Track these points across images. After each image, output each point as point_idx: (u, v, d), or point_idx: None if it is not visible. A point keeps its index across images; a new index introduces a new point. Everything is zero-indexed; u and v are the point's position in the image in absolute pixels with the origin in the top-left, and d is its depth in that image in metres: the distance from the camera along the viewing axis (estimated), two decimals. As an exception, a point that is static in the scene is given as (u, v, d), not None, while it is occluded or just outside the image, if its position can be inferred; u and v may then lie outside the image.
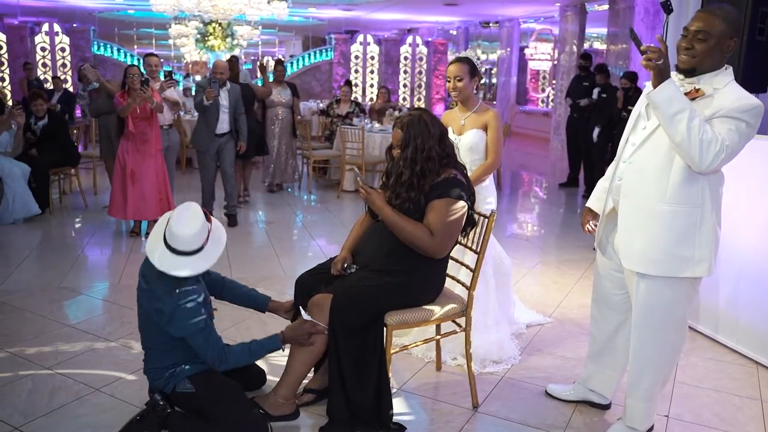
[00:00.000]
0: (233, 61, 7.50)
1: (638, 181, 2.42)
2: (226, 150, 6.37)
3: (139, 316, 2.66)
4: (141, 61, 7.11)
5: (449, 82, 3.53)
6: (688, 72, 2.35)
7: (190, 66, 15.75)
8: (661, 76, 2.17)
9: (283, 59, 13.02)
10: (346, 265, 2.83)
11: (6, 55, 15.52)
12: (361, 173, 2.84)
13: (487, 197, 3.59)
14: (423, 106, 19.47)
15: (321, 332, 2.63)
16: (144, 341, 2.68)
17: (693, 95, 2.31)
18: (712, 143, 2.16)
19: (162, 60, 6.54)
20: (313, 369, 2.92)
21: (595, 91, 8.29)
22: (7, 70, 15.47)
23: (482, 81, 3.49)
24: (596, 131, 8.16)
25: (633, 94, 7.42)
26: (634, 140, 2.48)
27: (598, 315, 2.86)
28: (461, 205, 2.73)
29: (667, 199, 2.34)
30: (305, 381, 2.91)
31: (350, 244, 2.95)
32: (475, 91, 3.62)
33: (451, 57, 3.55)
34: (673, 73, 2.34)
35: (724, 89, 2.30)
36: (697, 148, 2.15)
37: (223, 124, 6.26)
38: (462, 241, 3.10)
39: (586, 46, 14.18)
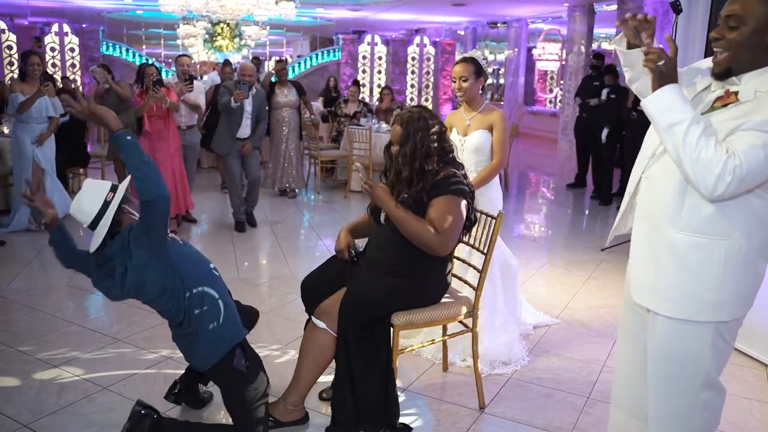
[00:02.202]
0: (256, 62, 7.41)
1: (652, 200, 1.99)
2: (251, 156, 6.27)
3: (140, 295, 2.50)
4: (146, 61, 7.09)
5: (455, 82, 3.53)
6: (723, 75, 1.87)
7: (198, 66, 15.79)
8: (661, 79, 1.80)
9: (282, 59, 13.04)
10: (352, 251, 2.85)
11: (16, 56, 15.59)
12: (364, 170, 2.83)
13: (494, 198, 3.58)
14: (430, 106, 19.46)
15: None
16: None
17: (725, 100, 1.86)
18: (713, 164, 1.70)
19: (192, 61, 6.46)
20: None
21: (604, 91, 8.25)
22: (17, 70, 15.54)
23: (488, 81, 3.44)
24: (605, 132, 8.13)
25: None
26: (650, 150, 2.05)
27: (621, 353, 2.32)
28: (462, 202, 2.72)
29: (683, 225, 1.88)
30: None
31: (350, 225, 2.98)
32: (481, 92, 3.61)
33: (458, 57, 3.53)
34: (710, 78, 1.95)
35: None
36: (691, 169, 1.74)
37: (245, 129, 6.18)
38: (469, 242, 3.10)
39: (594, 46, 14.13)
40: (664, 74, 1.80)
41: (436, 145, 2.73)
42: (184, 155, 6.33)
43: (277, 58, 13.62)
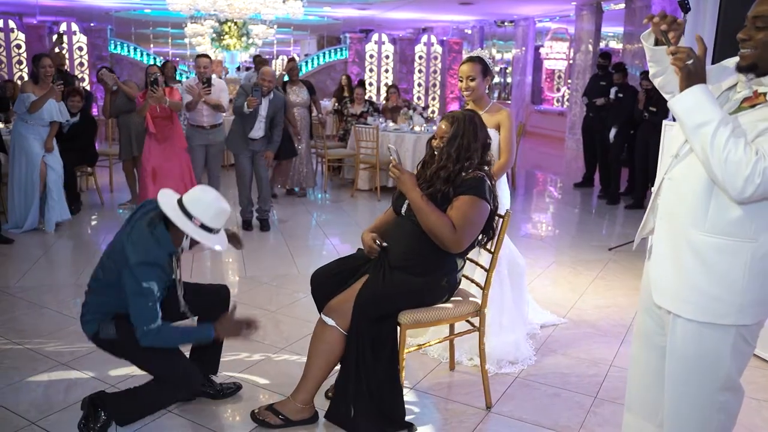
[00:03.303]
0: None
1: (675, 201, 1.95)
2: (261, 154, 6.26)
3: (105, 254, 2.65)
4: (156, 61, 7.06)
5: (461, 81, 3.52)
6: (748, 69, 1.85)
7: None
8: (689, 79, 1.78)
9: (293, 57, 12.99)
10: (377, 242, 2.83)
11: (25, 54, 15.66)
12: (397, 152, 2.83)
13: (501, 197, 3.58)
14: (437, 105, 19.43)
15: (254, 327, 2.65)
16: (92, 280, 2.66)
17: (753, 101, 1.84)
18: (742, 166, 1.68)
19: (206, 60, 6.40)
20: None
21: (613, 90, 8.21)
22: (26, 69, 15.60)
23: (494, 80, 3.45)
24: (613, 131, 8.09)
25: (654, 94, 7.30)
26: (674, 151, 2.00)
27: (636, 356, 2.27)
28: (485, 206, 2.73)
29: (708, 227, 1.84)
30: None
31: (373, 226, 3.00)
32: (487, 91, 3.60)
33: (464, 57, 3.52)
34: (738, 75, 1.93)
35: None
36: (720, 170, 1.71)
37: (258, 132, 6.14)
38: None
39: (601, 45, 14.08)
40: (693, 73, 1.79)
41: (479, 152, 2.78)
42: (209, 154, 6.34)
43: (289, 57, 13.62)
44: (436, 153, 2.82)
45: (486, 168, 2.84)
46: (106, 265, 2.59)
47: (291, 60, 8.23)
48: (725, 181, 1.72)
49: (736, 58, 1.93)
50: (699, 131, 1.74)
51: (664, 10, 1.91)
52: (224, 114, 6.48)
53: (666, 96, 2.07)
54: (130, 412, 2.63)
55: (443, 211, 2.70)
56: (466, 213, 2.68)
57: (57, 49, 7.33)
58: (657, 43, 1.98)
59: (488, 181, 2.79)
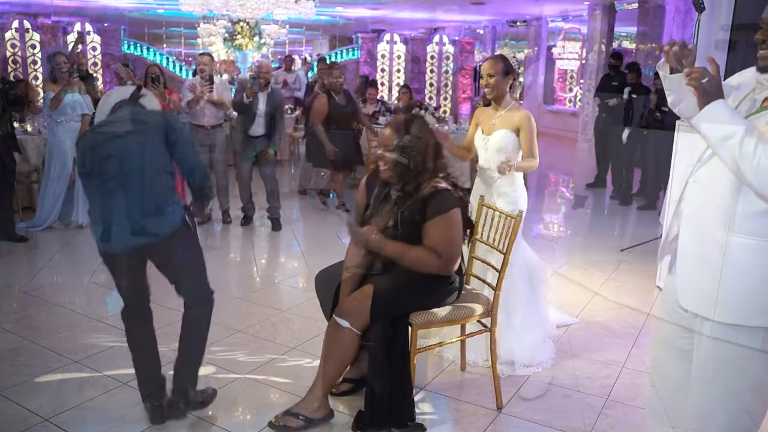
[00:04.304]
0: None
1: (701, 203, 1.95)
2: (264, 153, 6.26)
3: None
4: (169, 62, 7.06)
5: (482, 78, 3.53)
6: None
7: (218, 65, 15.79)
8: (706, 96, 1.81)
9: (324, 58, 12.99)
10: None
11: (39, 54, 15.78)
12: (350, 217, 2.82)
13: (518, 197, 3.60)
14: (449, 105, 19.39)
15: None
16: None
17: None
18: None
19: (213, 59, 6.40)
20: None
21: (626, 90, 8.15)
22: (41, 69, 15.73)
23: (516, 80, 3.44)
24: (626, 132, 8.03)
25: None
26: (696, 156, 2.01)
27: (658, 361, 2.26)
28: (455, 215, 2.71)
29: (736, 228, 1.85)
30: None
31: (348, 288, 2.86)
32: (509, 90, 3.59)
33: (477, 56, 3.55)
34: (760, 75, 1.96)
35: None
36: (754, 178, 1.73)
37: (258, 128, 6.15)
38: (489, 242, 3.10)
39: (614, 45, 14.00)
40: (708, 91, 1.82)
41: (432, 161, 2.74)
42: (213, 154, 6.33)
43: (322, 57, 13.69)
44: (384, 166, 2.75)
45: (440, 174, 2.78)
46: (137, 159, 2.64)
47: (333, 65, 7.86)
48: (761, 186, 1.74)
49: (741, 74, 2.00)
50: (726, 144, 1.77)
51: (673, 38, 1.97)
52: (228, 112, 6.48)
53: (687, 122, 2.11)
54: (193, 373, 2.83)
55: (418, 237, 2.68)
56: (442, 235, 2.67)
57: (78, 49, 7.32)
58: (672, 71, 2.02)
59: (443, 186, 2.73)
